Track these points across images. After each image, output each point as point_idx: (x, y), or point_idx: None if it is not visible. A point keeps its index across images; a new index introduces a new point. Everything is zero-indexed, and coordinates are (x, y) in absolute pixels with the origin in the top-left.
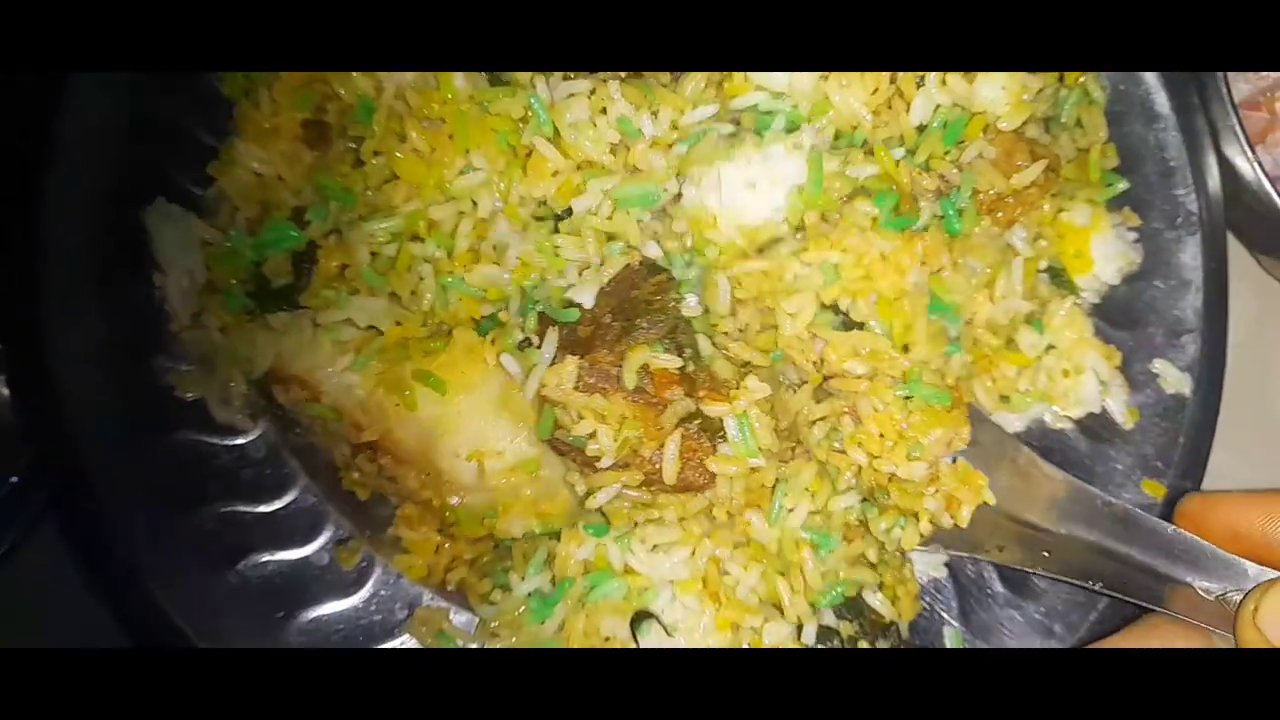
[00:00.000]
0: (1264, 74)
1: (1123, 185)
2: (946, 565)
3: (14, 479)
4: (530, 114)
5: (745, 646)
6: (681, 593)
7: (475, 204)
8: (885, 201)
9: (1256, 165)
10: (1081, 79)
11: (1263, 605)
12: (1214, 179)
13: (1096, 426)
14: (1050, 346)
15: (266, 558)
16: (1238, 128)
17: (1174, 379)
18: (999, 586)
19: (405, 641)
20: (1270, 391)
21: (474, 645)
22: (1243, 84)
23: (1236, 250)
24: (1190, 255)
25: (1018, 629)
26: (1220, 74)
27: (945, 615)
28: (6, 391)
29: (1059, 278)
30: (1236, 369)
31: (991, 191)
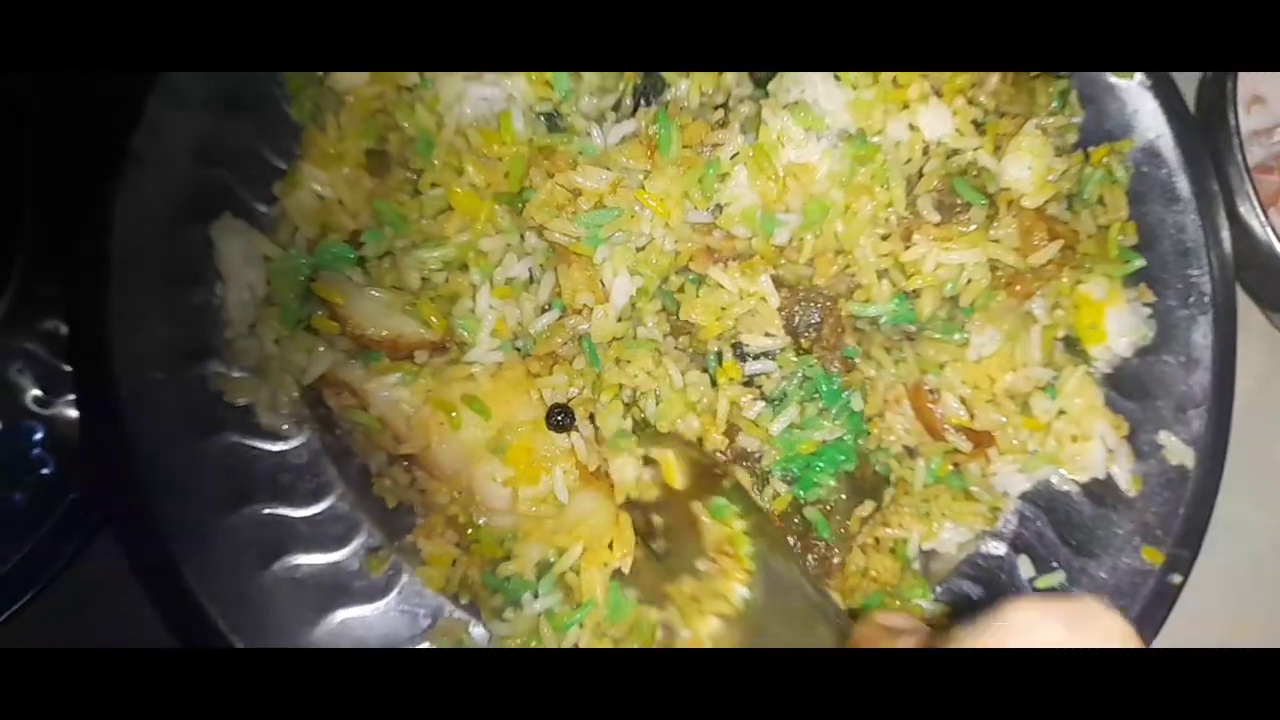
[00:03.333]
0: (1277, 139)
1: (1140, 263)
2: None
3: (74, 495)
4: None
5: None
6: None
7: (523, 238)
8: None
9: (1269, 229)
10: (1106, 159)
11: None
12: (1228, 263)
13: (1101, 492)
14: (1061, 412)
15: (301, 560)
16: (1251, 191)
17: (1179, 451)
18: None
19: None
20: (1276, 438)
21: None
22: (1256, 149)
23: (1249, 307)
24: (1201, 334)
25: None
26: (1236, 140)
27: None
28: (73, 413)
29: (1073, 347)
30: (1246, 418)
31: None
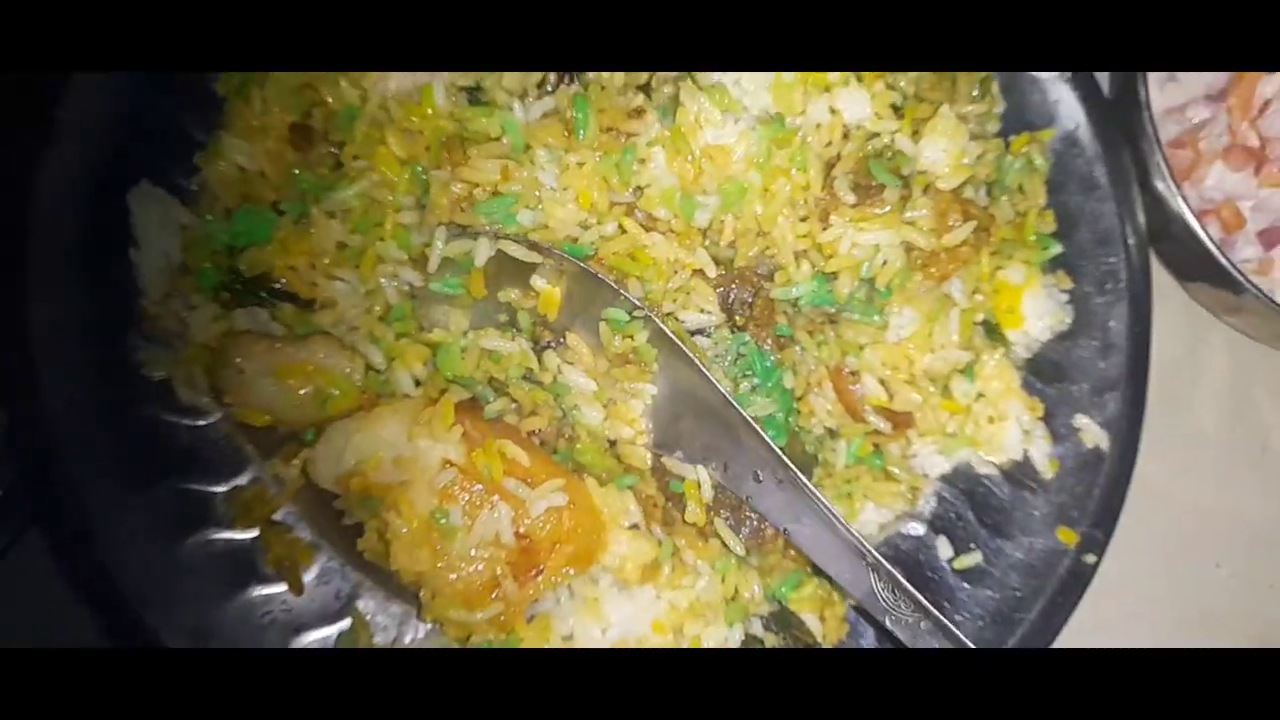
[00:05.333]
0: (1190, 116)
1: (1057, 249)
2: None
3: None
4: (505, 132)
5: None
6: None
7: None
8: None
9: (1182, 201)
10: (1026, 148)
11: None
12: (1144, 249)
13: (1018, 474)
14: (980, 395)
15: (216, 535)
16: (1164, 167)
17: (1094, 434)
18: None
19: (342, 626)
20: (1195, 405)
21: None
22: (1170, 125)
23: (1165, 278)
24: (1117, 319)
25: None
26: (1147, 114)
27: (862, 643)
28: None
29: (992, 331)
30: (1164, 384)
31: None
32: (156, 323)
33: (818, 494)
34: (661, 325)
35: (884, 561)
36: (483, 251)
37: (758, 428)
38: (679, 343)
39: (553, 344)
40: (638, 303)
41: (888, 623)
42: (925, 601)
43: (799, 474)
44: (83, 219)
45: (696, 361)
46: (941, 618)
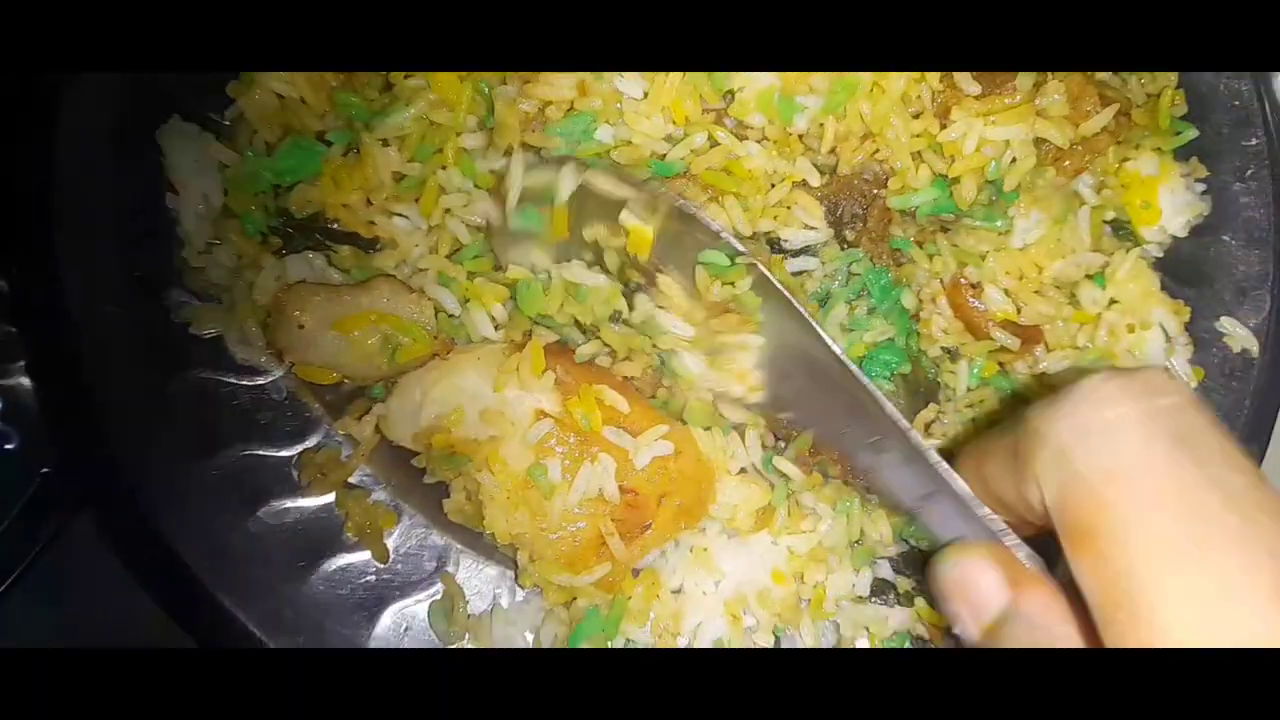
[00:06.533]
0: None
1: (1192, 133)
2: None
3: (45, 470)
4: None
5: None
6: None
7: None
8: None
9: None
10: None
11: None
12: None
13: None
14: (1113, 301)
15: (288, 504)
16: None
17: (1241, 337)
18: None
19: (434, 594)
20: None
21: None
22: None
23: None
24: (1260, 210)
25: None
26: None
27: None
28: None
29: (1123, 230)
30: None
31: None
32: (200, 275)
33: (951, 475)
34: (768, 273)
35: (1025, 545)
36: (566, 184)
37: (881, 398)
38: (788, 294)
39: (643, 286)
40: (740, 247)
41: None
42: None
43: (931, 451)
44: (108, 167)
45: (808, 316)
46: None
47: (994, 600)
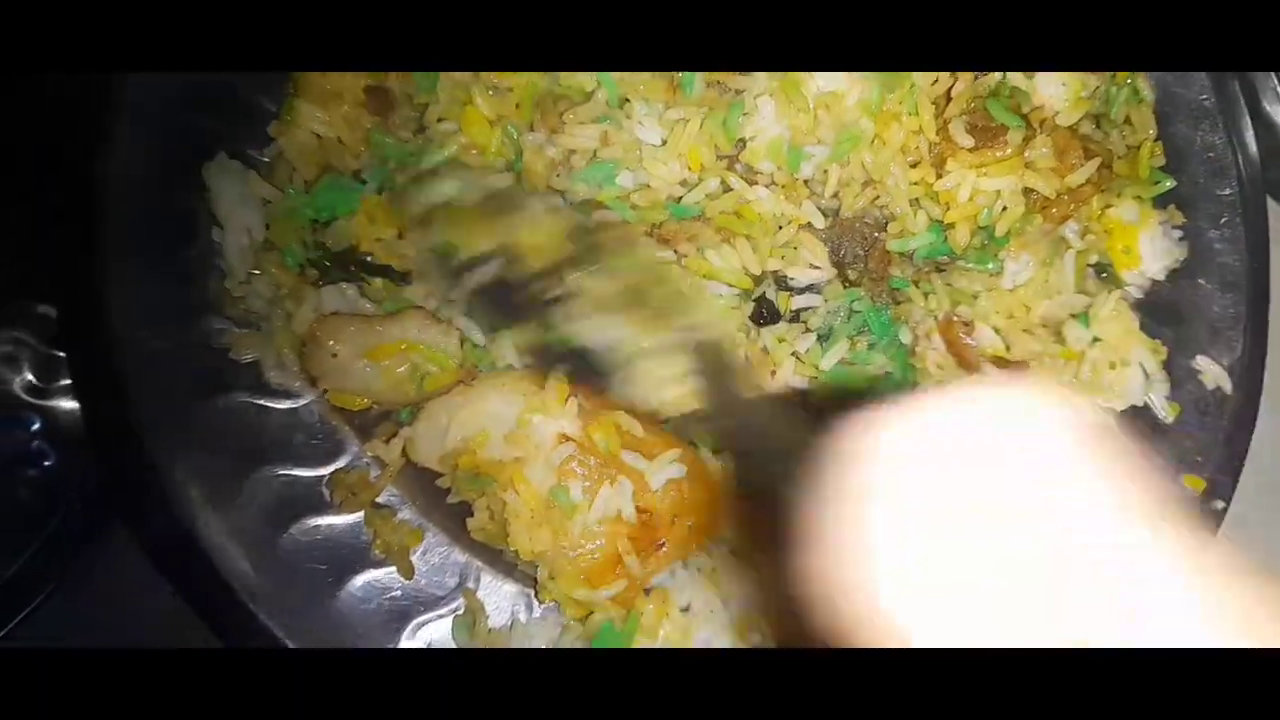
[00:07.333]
0: None
1: (1170, 183)
2: None
3: (79, 488)
4: (600, 86)
5: None
6: None
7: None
8: None
9: None
10: (1130, 78)
11: None
12: (1258, 180)
13: (1138, 420)
14: (1096, 339)
15: (319, 522)
16: (1278, 86)
17: (1215, 375)
18: None
19: (456, 609)
20: None
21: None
22: None
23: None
24: (1233, 256)
25: None
26: None
27: None
28: (70, 404)
29: (1105, 273)
30: (1277, 327)
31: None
32: (240, 304)
33: None
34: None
35: None
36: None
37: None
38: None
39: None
40: None
41: None
42: None
43: None
44: (154, 199)
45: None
46: None
47: None
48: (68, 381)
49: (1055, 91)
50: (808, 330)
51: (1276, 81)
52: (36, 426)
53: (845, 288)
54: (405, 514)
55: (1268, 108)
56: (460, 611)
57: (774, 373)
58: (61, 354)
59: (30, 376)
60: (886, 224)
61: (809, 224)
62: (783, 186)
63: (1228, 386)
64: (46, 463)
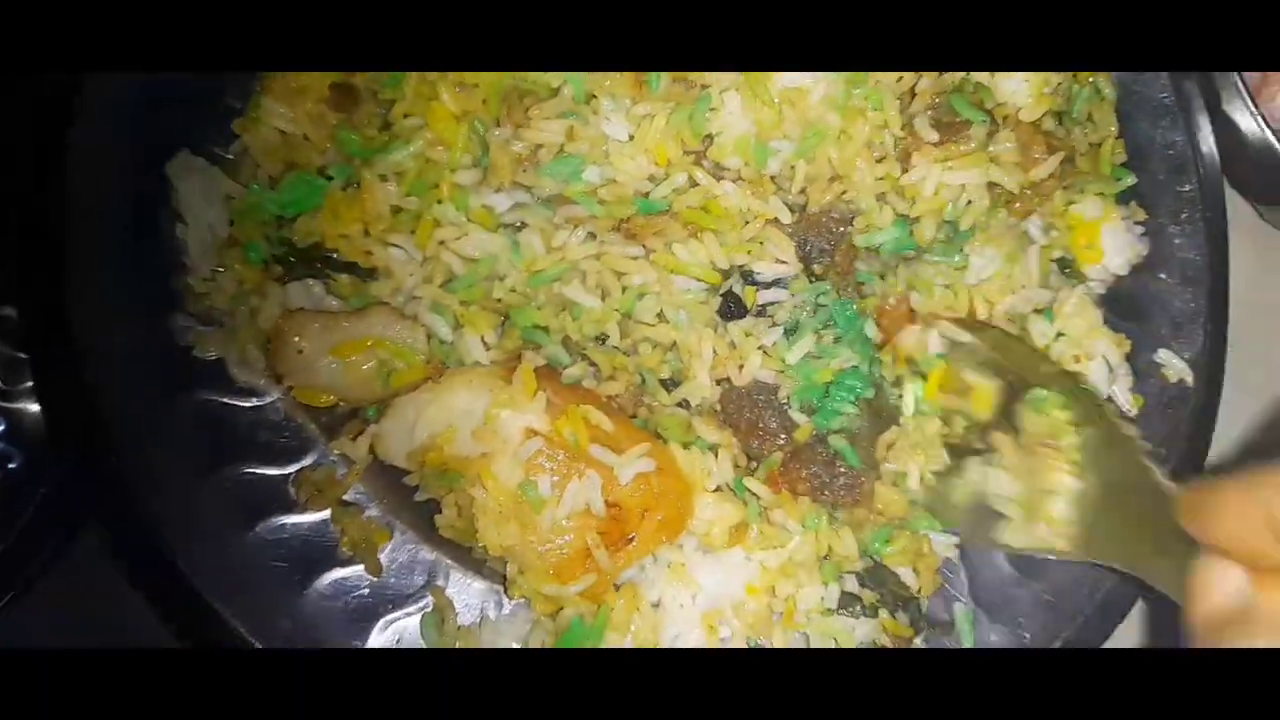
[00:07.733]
0: None
1: (1131, 179)
2: (957, 546)
3: (44, 490)
4: (566, 82)
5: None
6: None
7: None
8: None
9: (1259, 118)
10: (1091, 76)
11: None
12: (1216, 176)
13: None
14: (1060, 334)
15: (286, 520)
16: (1239, 83)
17: (1178, 369)
18: (1007, 568)
19: (425, 607)
20: (1272, 338)
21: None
22: None
23: (1240, 206)
24: (1194, 251)
25: (1024, 607)
26: None
27: (955, 593)
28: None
29: (1068, 268)
30: (1239, 320)
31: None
32: (204, 301)
33: None
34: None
35: None
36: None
37: None
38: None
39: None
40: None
41: None
42: None
43: None
44: (117, 196)
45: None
46: None
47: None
48: (32, 383)
49: (1017, 87)
50: (774, 324)
51: (1238, 80)
52: (1, 429)
53: (811, 282)
54: (373, 511)
55: (1226, 106)
56: (429, 609)
57: (741, 367)
58: (25, 356)
59: None
60: (853, 219)
61: (775, 219)
62: (749, 182)
63: (1190, 379)
64: (11, 465)
